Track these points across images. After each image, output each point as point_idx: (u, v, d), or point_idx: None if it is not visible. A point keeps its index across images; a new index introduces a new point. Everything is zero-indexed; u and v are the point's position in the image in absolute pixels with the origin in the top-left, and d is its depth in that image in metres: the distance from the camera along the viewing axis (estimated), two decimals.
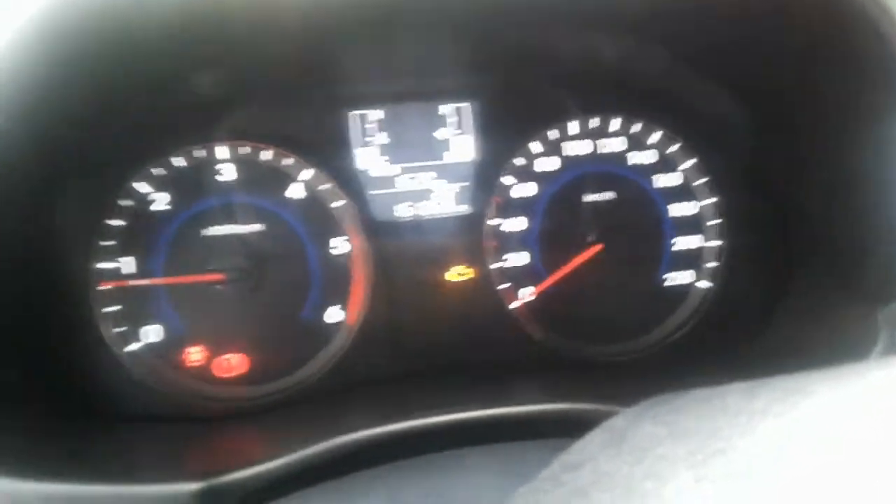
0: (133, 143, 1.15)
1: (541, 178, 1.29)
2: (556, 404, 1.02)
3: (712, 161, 1.31)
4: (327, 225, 1.25)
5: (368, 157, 1.25)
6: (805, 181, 1.16)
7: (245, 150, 1.21)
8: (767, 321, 1.27)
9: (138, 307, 1.19)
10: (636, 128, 1.30)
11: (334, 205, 1.24)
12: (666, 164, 1.32)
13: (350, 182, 1.24)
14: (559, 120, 1.28)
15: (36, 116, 0.85)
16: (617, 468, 0.43)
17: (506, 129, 1.27)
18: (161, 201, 1.18)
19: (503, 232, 1.29)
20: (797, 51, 0.93)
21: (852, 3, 0.81)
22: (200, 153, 1.20)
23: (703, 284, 1.34)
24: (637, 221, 1.32)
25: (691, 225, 1.33)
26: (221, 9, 0.84)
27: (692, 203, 1.33)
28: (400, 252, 1.26)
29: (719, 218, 1.32)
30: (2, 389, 0.98)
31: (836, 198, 1.09)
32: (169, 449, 1.09)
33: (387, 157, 1.26)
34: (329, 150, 1.23)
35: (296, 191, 1.23)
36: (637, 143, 1.31)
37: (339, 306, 1.26)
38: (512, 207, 1.29)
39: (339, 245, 1.25)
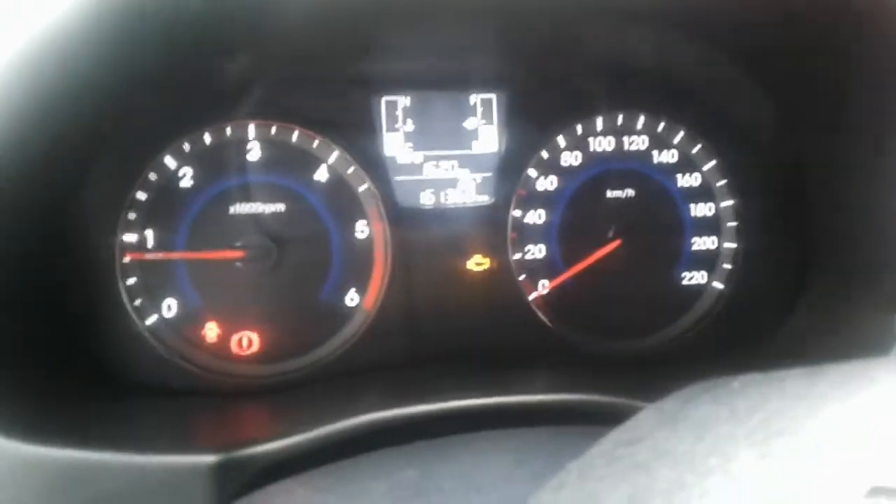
0: (165, 119, 1.16)
1: (565, 172, 1.30)
2: (567, 395, 1.03)
3: (732, 163, 1.33)
4: (350, 209, 1.25)
5: (396, 144, 1.26)
6: (827, 187, 1.17)
7: (273, 130, 1.22)
8: (781, 324, 1.28)
9: (159, 281, 1.20)
10: (660, 127, 1.32)
11: (359, 189, 1.25)
12: (687, 165, 1.33)
13: (376, 167, 1.25)
14: (586, 115, 1.29)
15: (75, 91, 0.86)
16: (676, 445, 0.44)
17: (533, 122, 1.28)
18: (188, 177, 1.19)
19: (525, 224, 1.30)
20: (833, 52, 0.95)
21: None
22: (229, 131, 1.20)
23: (718, 285, 1.35)
24: (656, 220, 1.33)
25: (709, 226, 1.35)
26: None
27: (711, 204, 1.34)
28: (421, 239, 1.27)
29: (736, 220, 1.34)
30: (21, 355, 0.98)
31: (858, 203, 1.10)
32: (184, 422, 1.10)
33: (412, 144, 1.27)
34: (357, 135, 1.24)
35: (321, 173, 1.24)
36: (660, 142, 1.32)
37: (357, 290, 1.26)
38: (535, 200, 1.30)
39: (361, 229, 1.26)
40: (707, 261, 1.35)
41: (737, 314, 1.34)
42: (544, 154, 1.29)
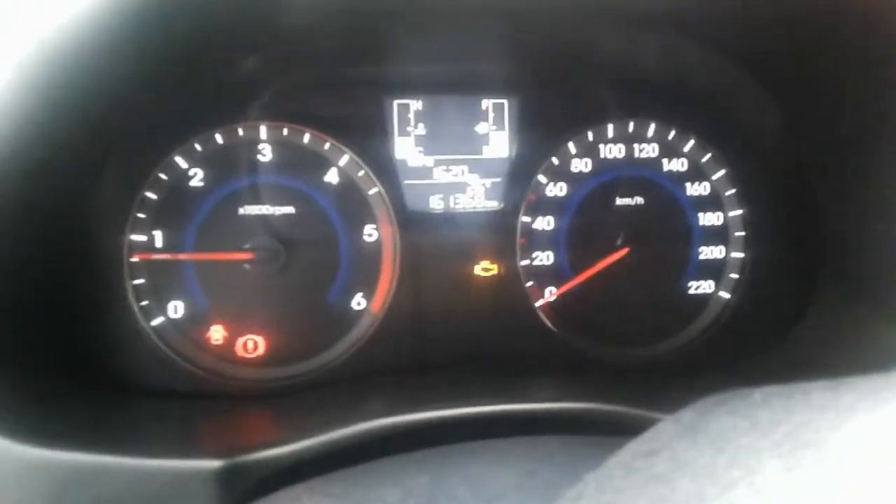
0: (176, 119, 1.15)
1: (575, 178, 1.30)
2: (573, 403, 1.02)
3: (742, 173, 1.32)
4: (360, 212, 1.25)
5: (407, 147, 1.26)
6: (836, 196, 1.17)
7: (285, 132, 1.21)
8: (788, 334, 1.28)
9: (166, 282, 1.19)
10: (670, 135, 1.31)
11: (368, 192, 1.25)
12: (697, 174, 1.33)
13: (386, 171, 1.24)
14: (597, 122, 1.29)
15: (86, 91, 0.85)
16: (697, 457, 0.43)
17: (544, 128, 1.28)
18: (198, 177, 1.18)
19: (534, 230, 1.30)
20: (840, 57, 0.94)
21: None
22: (241, 132, 1.20)
23: (725, 295, 1.34)
24: (665, 228, 1.33)
25: (717, 235, 1.34)
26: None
27: (719, 213, 1.34)
28: (430, 243, 1.26)
29: (744, 230, 1.33)
30: (25, 355, 0.98)
31: (867, 213, 1.10)
32: (188, 425, 1.09)
33: (422, 148, 1.26)
34: (368, 138, 1.24)
35: (331, 176, 1.23)
36: (670, 151, 1.32)
37: (364, 293, 1.26)
38: (544, 206, 1.29)
39: (370, 232, 1.25)
40: (714, 270, 1.35)
41: (743, 324, 1.34)
42: (555, 160, 1.29)
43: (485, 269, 1.28)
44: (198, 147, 1.18)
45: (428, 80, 1.25)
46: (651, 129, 1.31)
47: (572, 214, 1.31)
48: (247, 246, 1.20)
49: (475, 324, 1.27)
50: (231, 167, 1.20)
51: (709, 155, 1.32)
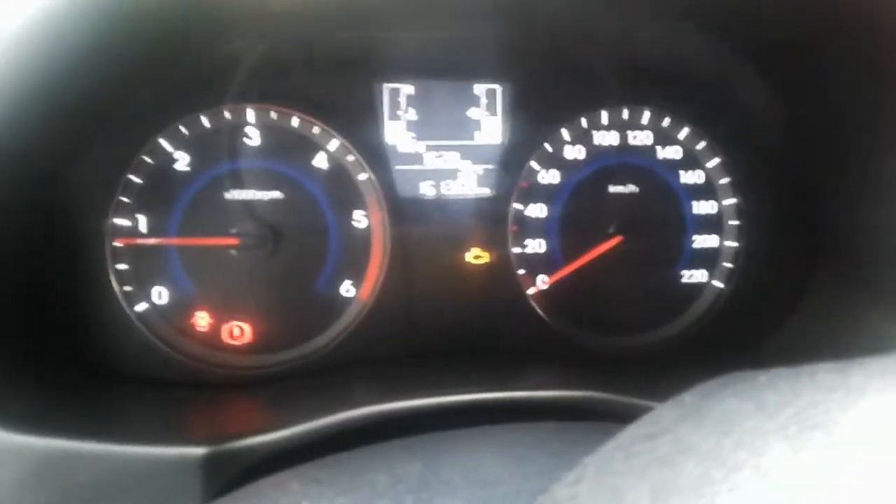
0: (162, 100, 1.13)
1: (568, 165, 1.28)
2: (564, 391, 1.01)
3: (737, 161, 1.31)
4: (349, 197, 1.22)
5: (397, 132, 1.23)
6: (832, 186, 1.16)
7: (273, 115, 1.19)
8: (781, 324, 1.27)
9: (150, 267, 1.17)
10: (665, 122, 1.30)
11: (358, 177, 1.22)
12: (691, 162, 1.32)
13: (376, 156, 1.22)
14: (591, 108, 1.27)
15: (70, 70, 0.84)
16: (701, 440, 0.42)
17: (537, 114, 1.26)
18: (183, 161, 1.16)
19: (526, 217, 1.28)
20: (844, 50, 0.93)
21: None
22: (227, 115, 1.17)
23: (718, 284, 1.33)
24: (658, 216, 1.31)
25: (711, 224, 1.33)
26: None
27: (713, 202, 1.33)
28: (420, 230, 1.24)
29: (739, 219, 1.32)
30: (5, 340, 0.95)
31: (863, 203, 1.09)
32: (173, 412, 1.07)
33: (414, 134, 1.24)
34: (358, 122, 1.21)
35: (320, 160, 1.21)
36: (664, 138, 1.31)
37: (353, 280, 1.24)
38: (537, 193, 1.28)
39: (359, 219, 1.23)
40: (708, 259, 1.34)
41: (737, 313, 1.33)
42: (547, 147, 1.27)
43: (476, 256, 1.26)
44: (183, 130, 1.16)
45: (420, 64, 1.23)
46: (645, 117, 1.29)
47: (565, 202, 1.29)
48: (233, 231, 1.17)
49: (466, 312, 1.26)
50: (217, 150, 1.17)
51: (703, 143, 1.31)
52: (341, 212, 1.22)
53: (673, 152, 1.31)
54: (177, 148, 1.16)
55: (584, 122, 1.28)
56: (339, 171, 1.22)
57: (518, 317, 1.27)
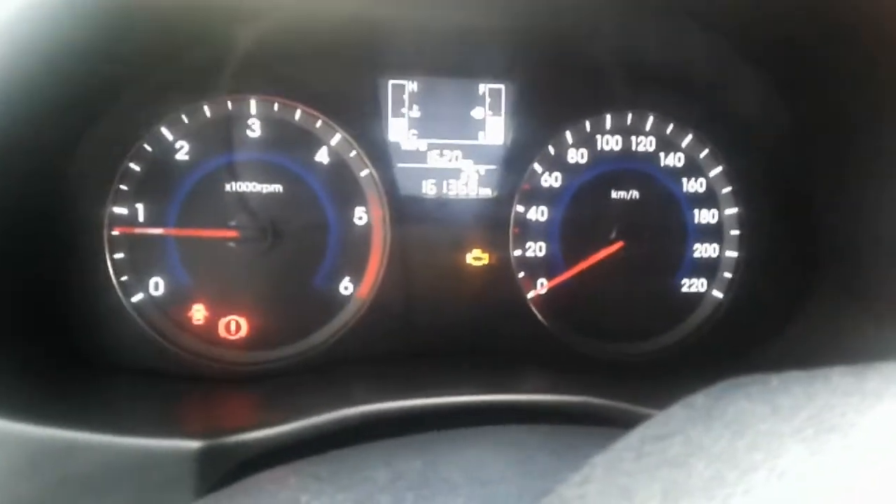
0: (164, 90, 1.12)
1: (571, 169, 1.28)
2: (559, 396, 1.01)
3: (739, 170, 1.31)
4: (350, 193, 1.22)
5: (400, 129, 1.23)
6: (835, 196, 1.16)
7: (276, 107, 1.18)
8: (780, 334, 1.27)
9: (148, 257, 1.16)
10: (669, 128, 1.29)
11: (360, 174, 1.22)
12: (693, 169, 1.31)
13: (379, 152, 1.21)
14: (595, 112, 1.27)
15: (71, 55, 0.83)
16: (713, 441, 0.41)
17: (542, 116, 1.25)
18: (184, 150, 1.15)
19: (528, 220, 1.28)
20: (851, 57, 0.93)
21: None
22: (230, 106, 1.16)
23: (717, 294, 1.33)
24: (660, 223, 1.31)
25: (712, 233, 1.33)
26: None
27: (715, 211, 1.32)
28: (420, 229, 1.24)
29: (739, 228, 1.32)
30: (1, 329, 0.94)
31: (865, 215, 1.09)
32: (168, 405, 1.06)
33: (416, 131, 1.23)
34: (361, 118, 1.21)
35: (322, 155, 1.20)
36: (667, 145, 1.30)
37: (352, 278, 1.23)
38: (539, 196, 1.27)
39: (360, 215, 1.22)
40: (708, 268, 1.33)
41: (735, 323, 1.32)
42: (551, 149, 1.27)
43: (476, 257, 1.26)
44: (185, 119, 1.15)
45: (424, 61, 1.22)
46: (649, 122, 1.29)
47: (567, 205, 1.28)
48: (232, 223, 1.16)
49: (464, 313, 1.25)
50: (218, 141, 1.16)
51: (706, 150, 1.30)
52: (342, 208, 1.22)
53: (676, 159, 1.30)
54: (178, 137, 1.15)
55: (587, 125, 1.27)
56: (340, 167, 1.21)
57: (516, 319, 1.27)
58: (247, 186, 1.18)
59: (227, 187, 1.17)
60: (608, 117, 1.28)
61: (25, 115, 0.83)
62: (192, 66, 1.10)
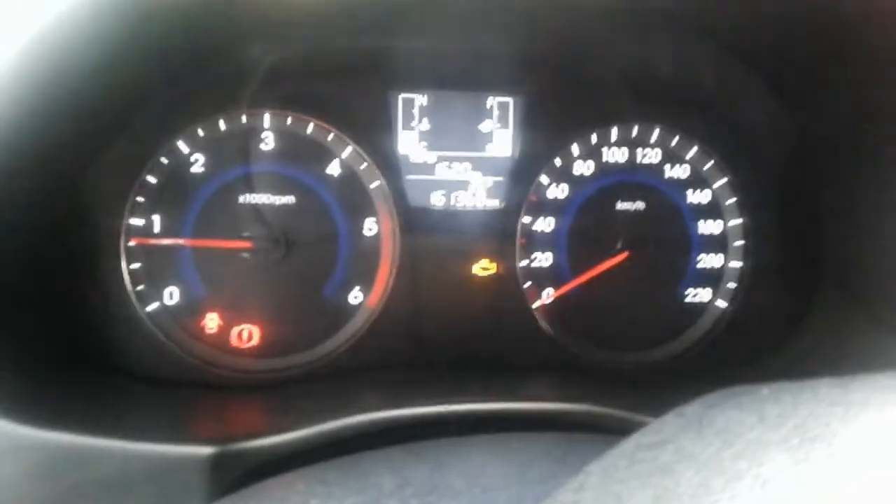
0: (181, 103, 1.15)
1: (577, 180, 1.30)
2: (566, 404, 1.02)
3: (743, 181, 1.32)
4: (360, 205, 1.24)
5: (410, 142, 1.25)
6: (840, 208, 1.17)
7: (289, 121, 1.21)
8: (784, 345, 1.28)
9: (163, 267, 1.19)
10: (674, 140, 1.31)
11: (370, 186, 1.24)
12: (698, 181, 1.33)
13: (389, 164, 1.24)
14: (601, 124, 1.29)
15: (92, 72, 0.85)
16: (702, 450, 0.43)
17: (548, 128, 1.27)
18: (199, 163, 1.18)
19: (534, 231, 1.29)
20: (857, 69, 0.95)
21: None
22: (244, 119, 1.19)
23: (722, 304, 1.34)
24: (664, 234, 1.32)
25: (716, 243, 1.34)
26: None
27: (719, 222, 1.34)
28: (429, 240, 1.26)
29: (744, 239, 1.33)
30: (19, 335, 0.97)
31: (870, 226, 1.10)
32: (181, 412, 1.09)
33: (426, 144, 1.26)
34: (372, 131, 1.23)
35: (333, 167, 1.23)
36: (673, 157, 1.32)
37: (362, 287, 1.25)
38: (545, 207, 1.29)
39: (370, 226, 1.25)
40: (712, 278, 1.34)
41: (740, 333, 1.33)
42: (557, 161, 1.29)
43: (483, 268, 1.28)
44: (201, 132, 1.18)
45: (434, 76, 1.25)
46: (655, 134, 1.31)
47: (573, 216, 1.30)
48: (245, 234, 1.19)
49: (472, 322, 1.27)
50: (233, 154, 1.19)
51: (711, 162, 1.32)
52: (352, 219, 1.24)
53: (681, 171, 1.32)
54: (194, 150, 1.18)
55: (594, 137, 1.29)
56: (351, 179, 1.23)
57: (523, 329, 1.28)
58: (260, 198, 1.20)
59: (241, 199, 1.20)
60: (614, 129, 1.30)
61: (45, 131, 0.86)
62: (208, 81, 1.13)
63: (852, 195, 1.13)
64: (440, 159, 1.27)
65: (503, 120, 1.27)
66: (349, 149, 1.23)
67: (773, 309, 1.31)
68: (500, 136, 1.27)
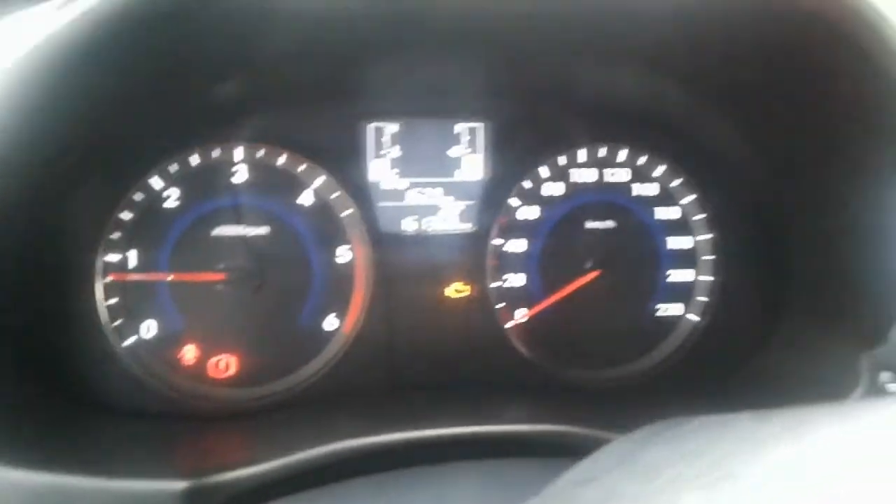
0: (151, 141, 1.17)
1: (546, 202, 1.32)
2: (543, 425, 1.04)
3: (712, 198, 1.35)
4: (333, 233, 1.26)
5: (382, 169, 1.27)
6: (805, 224, 1.19)
7: (260, 153, 1.23)
8: (754, 358, 1.30)
9: (139, 302, 1.20)
10: (642, 160, 1.34)
11: (342, 214, 1.26)
12: (667, 198, 1.35)
13: (360, 192, 1.26)
14: (569, 147, 1.31)
15: (63, 111, 0.87)
16: (627, 487, 0.45)
17: (517, 152, 1.30)
18: (173, 198, 1.20)
19: (505, 252, 1.32)
20: (813, 92, 0.97)
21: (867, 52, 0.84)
22: (216, 153, 1.21)
23: (693, 318, 1.36)
24: (635, 251, 1.35)
25: (686, 259, 1.36)
26: (246, 21, 0.86)
27: (689, 237, 1.36)
28: (402, 265, 1.28)
29: (714, 254, 1.35)
30: None
31: (836, 241, 1.12)
32: (157, 446, 1.09)
33: (397, 171, 1.28)
34: (343, 160, 1.25)
35: (306, 197, 1.25)
36: (641, 175, 1.34)
37: (337, 314, 1.27)
38: (516, 228, 1.31)
39: (343, 254, 1.27)
40: (683, 293, 1.37)
41: (712, 347, 1.35)
42: (527, 184, 1.31)
43: (457, 290, 1.30)
44: (173, 168, 1.19)
45: (404, 104, 1.27)
46: (623, 154, 1.33)
47: (544, 237, 1.32)
48: (220, 266, 1.21)
49: (447, 345, 1.28)
50: (206, 188, 1.21)
51: (680, 180, 1.34)
52: (325, 247, 1.26)
53: (649, 189, 1.34)
54: (167, 185, 1.19)
55: (562, 159, 1.32)
56: (323, 208, 1.25)
57: (497, 350, 1.30)
58: (234, 230, 1.22)
59: (215, 231, 1.22)
60: (581, 151, 1.32)
61: (16, 171, 0.87)
62: (179, 118, 1.15)
63: (816, 212, 1.16)
64: (412, 185, 1.29)
65: (472, 145, 1.29)
66: (321, 178, 1.25)
67: (744, 321, 1.33)
68: (470, 161, 1.29)
